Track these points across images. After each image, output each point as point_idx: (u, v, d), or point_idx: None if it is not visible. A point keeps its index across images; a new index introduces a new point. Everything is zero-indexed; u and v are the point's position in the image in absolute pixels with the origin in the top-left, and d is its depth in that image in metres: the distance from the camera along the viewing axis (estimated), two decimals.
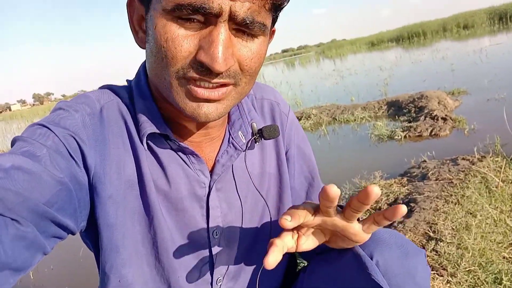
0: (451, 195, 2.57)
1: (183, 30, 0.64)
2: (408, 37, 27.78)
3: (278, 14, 0.73)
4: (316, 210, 0.71)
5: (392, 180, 3.26)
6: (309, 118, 6.96)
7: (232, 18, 0.63)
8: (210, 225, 0.84)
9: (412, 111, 5.77)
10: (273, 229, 0.92)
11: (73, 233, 0.70)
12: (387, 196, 2.90)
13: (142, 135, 0.75)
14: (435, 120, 4.90)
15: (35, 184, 0.60)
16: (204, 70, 0.64)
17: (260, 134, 0.87)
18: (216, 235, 0.85)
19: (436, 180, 2.94)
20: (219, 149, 0.86)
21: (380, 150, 4.64)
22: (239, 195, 0.88)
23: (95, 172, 0.71)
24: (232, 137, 0.86)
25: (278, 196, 0.97)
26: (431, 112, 5.14)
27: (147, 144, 0.77)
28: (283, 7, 0.72)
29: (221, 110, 0.71)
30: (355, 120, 6.32)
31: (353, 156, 4.67)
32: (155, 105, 0.78)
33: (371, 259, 0.78)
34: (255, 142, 0.89)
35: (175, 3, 0.61)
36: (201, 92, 0.67)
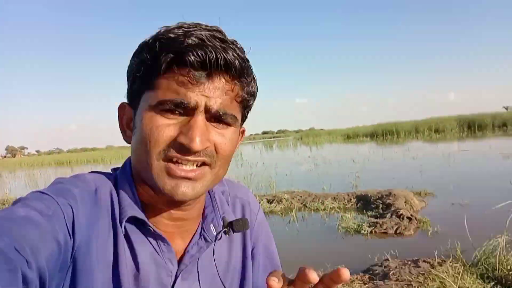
0: None
1: (166, 120, 0.75)
2: (382, 134, 29.17)
3: (247, 113, 0.87)
4: (290, 283, 0.74)
5: (354, 276, 3.26)
6: (280, 202, 7.01)
7: (207, 111, 0.75)
8: None
9: (380, 207, 5.92)
10: None
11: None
12: None
13: (122, 217, 0.80)
14: (401, 219, 5.02)
15: (42, 237, 0.65)
16: (183, 150, 0.74)
17: (230, 226, 0.92)
18: None
19: (397, 281, 2.97)
20: (191, 241, 0.90)
21: (346, 243, 4.67)
22: (201, 286, 0.90)
23: (79, 247, 0.75)
24: (204, 230, 0.91)
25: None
26: (397, 211, 5.28)
27: (125, 228, 0.81)
28: (251, 105, 0.86)
29: (198, 190, 0.79)
30: (324, 209, 6.41)
31: (319, 246, 4.68)
32: (137, 194, 0.85)
33: None
34: (225, 234, 0.93)
35: (159, 99, 0.74)
36: (179, 171, 0.75)
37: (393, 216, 5.17)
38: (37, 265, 0.64)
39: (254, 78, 0.83)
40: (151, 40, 0.75)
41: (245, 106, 0.84)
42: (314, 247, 4.65)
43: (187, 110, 0.74)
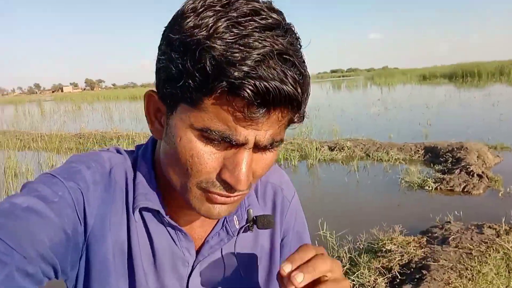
0: (467, 269, 2.47)
1: (209, 148, 0.67)
2: (462, 75, 26.88)
3: None
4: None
5: (411, 238, 3.16)
6: (342, 150, 6.87)
7: (256, 146, 0.67)
8: None
9: (449, 161, 5.59)
10: None
11: (57, 278, 0.74)
12: (401, 255, 2.81)
13: (135, 207, 0.77)
14: (470, 176, 4.72)
15: (45, 227, 0.65)
16: (226, 187, 0.69)
17: (254, 223, 0.88)
18: None
19: (456, 247, 2.83)
20: (212, 230, 0.87)
21: (407, 199, 4.51)
22: (223, 280, 0.88)
23: (92, 232, 0.75)
24: (226, 220, 0.86)
25: (265, 284, 0.96)
26: (467, 167, 4.95)
27: (141, 214, 0.79)
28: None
29: (231, 209, 0.75)
30: (388, 160, 6.19)
31: (379, 200, 4.56)
32: (155, 181, 0.81)
33: None
34: (249, 229, 0.89)
35: (205, 126, 0.64)
36: (219, 199, 0.71)
37: (462, 172, 4.86)
38: (40, 257, 0.64)
39: (308, 94, 0.70)
40: (194, 40, 0.61)
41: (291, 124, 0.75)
42: (372, 201, 4.55)
43: (232, 144, 0.66)
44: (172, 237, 0.81)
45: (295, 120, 0.71)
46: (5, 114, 23.10)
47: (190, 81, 0.62)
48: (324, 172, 6.08)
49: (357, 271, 2.63)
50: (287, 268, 0.61)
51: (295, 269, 0.62)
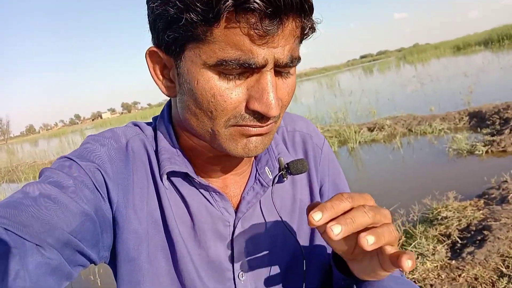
0: None
1: (230, 83, 0.63)
2: (498, 40, 25.55)
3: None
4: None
5: (467, 202, 3.01)
6: (382, 129, 6.69)
7: (276, 65, 0.64)
8: (235, 267, 0.81)
9: (497, 122, 5.31)
10: (307, 269, 0.87)
11: (95, 263, 0.73)
12: (459, 220, 2.68)
13: (162, 173, 0.75)
14: None
15: (61, 213, 0.63)
16: (257, 117, 0.66)
17: (287, 169, 0.84)
18: (242, 277, 0.82)
19: None
20: (246, 186, 0.84)
21: (457, 167, 4.32)
22: (265, 234, 0.85)
23: (118, 206, 0.73)
24: (258, 173, 0.84)
25: (310, 233, 0.92)
26: None
27: (171, 180, 0.78)
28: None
29: (266, 142, 0.72)
30: (432, 132, 5.96)
31: (428, 172, 4.39)
32: (178, 143, 0.79)
33: None
34: (283, 178, 0.85)
35: (219, 59, 0.60)
36: (253, 130, 0.68)
37: None
38: (59, 244, 0.62)
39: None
40: None
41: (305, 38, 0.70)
42: (421, 174, 4.38)
43: (253, 68, 0.62)
44: (207, 199, 0.79)
45: (307, 31, 0.66)
46: (51, 146, 24.21)
47: (193, 15, 0.58)
48: (366, 154, 5.93)
49: (414, 242, 2.53)
50: (316, 216, 0.56)
51: (333, 220, 0.57)
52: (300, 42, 0.68)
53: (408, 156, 5.16)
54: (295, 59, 0.65)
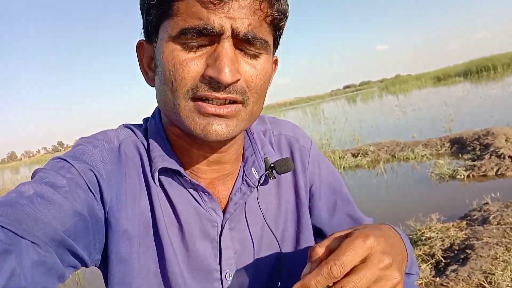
0: None
1: (191, 54, 0.67)
2: (477, 71, 26.39)
3: (279, 37, 0.76)
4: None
5: (450, 224, 3.05)
6: (366, 155, 6.78)
7: (234, 35, 0.66)
8: (222, 267, 0.82)
9: (477, 148, 5.44)
10: (288, 272, 0.88)
11: (86, 265, 0.72)
12: (442, 240, 2.71)
13: (154, 170, 0.76)
14: (502, 159, 4.57)
15: (56, 212, 0.63)
16: (213, 85, 0.67)
17: (273, 169, 0.85)
18: (229, 277, 0.82)
19: (498, 224, 2.71)
20: (233, 187, 0.85)
21: (440, 191, 4.39)
22: (251, 235, 0.86)
23: (111, 207, 0.74)
24: (245, 174, 0.85)
25: (295, 236, 0.93)
26: (497, 150, 4.80)
27: (160, 180, 0.78)
28: (283, 26, 0.74)
29: (231, 128, 0.72)
30: (415, 157, 6.06)
31: (411, 196, 4.45)
32: (168, 142, 0.81)
33: None
34: (269, 178, 0.86)
35: (180, 28, 0.65)
36: (210, 107, 0.69)
37: (493, 157, 4.72)
38: (53, 243, 0.62)
39: None
40: None
41: (277, 28, 0.73)
42: (405, 198, 4.44)
43: (212, 38, 0.66)
44: (196, 199, 0.80)
45: (275, 14, 0.70)
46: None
47: None
48: (350, 179, 5.99)
49: None
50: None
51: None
52: (272, 26, 0.71)
53: (391, 181, 5.22)
54: (258, 38, 0.68)
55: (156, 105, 0.87)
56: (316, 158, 0.97)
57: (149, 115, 0.90)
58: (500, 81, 17.70)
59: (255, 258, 0.86)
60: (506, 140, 5.26)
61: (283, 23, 0.73)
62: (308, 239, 0.92)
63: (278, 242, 0.88)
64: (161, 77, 0.70)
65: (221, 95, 0.68)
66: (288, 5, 0.73)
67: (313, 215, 0.94)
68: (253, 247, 0.86)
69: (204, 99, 0.68)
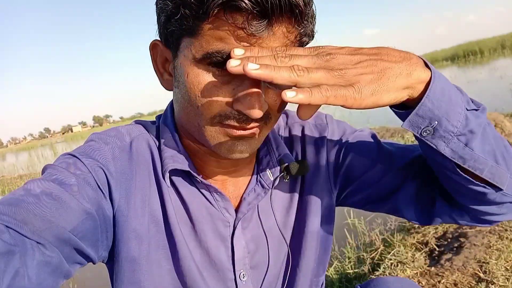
0: (506, 230, 2.38)
1: (217, 79, 0.64)
2: (464, 55, 26.48)
3: None
4: None
5: None
6: None
7: None
8: (236, 267, 0.81)
9: None
10: (300, 272, 0.88)
11: (93, 262, 0.72)
12: (435, 228, 2.73)
13: (164, 171, 0.75)
14: None
15: (63, 211, 0.62)
16: (241, 118, 0.66)
17: (287, 170, 0.83)
18: (244, 277, 0.82)
19: None
20: (247, 187, 0.84)
21: None
22: (265, 235, 0.85)
23: (120, 205, 0.72)
24: (260, 175, 0.83)
25: (306, 237, 0.91)
26: None
27: (171, 180, 0.77)
28: (308, 43, 0.71)
29: (254, 146, 0.72)
30: (405, 143, 6.07)
31: None
32: (181, 142, 0.79)
33: None
34: (284, 179, 0.84)
35: (204, 52, 0.62)
36: (236, 131, 0.68)
37: None
38: (60, 242, 0.61)
39: (314, 14, 0.67)
40: None
41: (302, 46, 0.69)
42: None
43: None
44: (207, 199, 0.78)
45: (304, 38, 0.67)
46: (19, 160, 23.50)
47: (187, 10, 0.60)
48: None
49: (393, 250, 2.56)
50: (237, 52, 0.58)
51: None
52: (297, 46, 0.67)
53: None
54: None
55: (167, 102, 0.85)
56: (334, 129, 0.93)
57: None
58: (486, 65, 17.84)
59: (269, 258, 0.85)
60: (495, 125, 5.30)
61: (309, 42, 0.71)
62: (312, 243, 0.90)
63: (289, 243, 0.88)
64: (185, 96, 0.68)
65: (247, 125, 0.67)
66: (315, 22, 0.69)
67: (365, 175, 0.88)
68: (267, 247, 0.85)
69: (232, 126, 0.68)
